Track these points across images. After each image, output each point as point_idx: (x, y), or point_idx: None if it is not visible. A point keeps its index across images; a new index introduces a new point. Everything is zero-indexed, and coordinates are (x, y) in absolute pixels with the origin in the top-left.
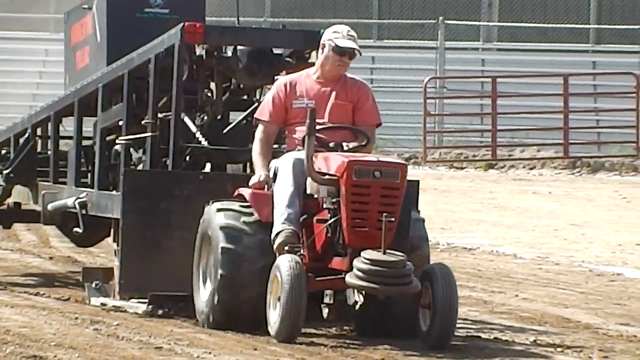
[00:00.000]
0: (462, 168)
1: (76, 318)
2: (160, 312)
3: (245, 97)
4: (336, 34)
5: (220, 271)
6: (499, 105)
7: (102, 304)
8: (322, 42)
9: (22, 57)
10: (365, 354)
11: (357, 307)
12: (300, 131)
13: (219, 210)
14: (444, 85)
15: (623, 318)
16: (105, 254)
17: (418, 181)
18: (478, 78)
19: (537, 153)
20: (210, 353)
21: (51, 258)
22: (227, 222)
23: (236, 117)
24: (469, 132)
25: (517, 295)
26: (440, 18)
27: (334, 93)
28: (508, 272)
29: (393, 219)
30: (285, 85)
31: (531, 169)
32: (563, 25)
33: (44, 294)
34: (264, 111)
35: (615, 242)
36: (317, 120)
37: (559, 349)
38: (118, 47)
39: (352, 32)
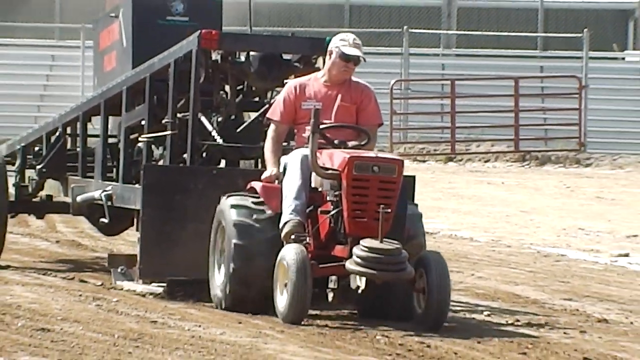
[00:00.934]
0: (424, 161)
1: (80, 295)
2: (177, 295)
3: (257, 98)
4: (343, 42)
5: (232, 265)
6: (457, 105)
7: (127, 288)
8: (330, 48)
9: (29, 62)
10: (362, 335)
11: (360, 291)
12: (308, 130)
13: (232, 206)
14: (408, 87)
15: (567, 294)
16: (106, 238)
17: (414, 176)
18: (439, 81)
19: (491, 147)
20: (199, 326)
21: (57, 242)
22: (240, 219)
23: (249, 117)
24: (431, 129)
25: (473, 274)
26: (405, 27)
27: (339, 95)
28: (465, 253)
29: (389, 210)
30: (295, 88)
31: (486, 161)
32: (514, 34)
33: (51, 273)
34: (275, 111)
35: (559, 227)
36: (324, 121)
37: (511, 323)
38: (142, 52)
39: (358, 40)
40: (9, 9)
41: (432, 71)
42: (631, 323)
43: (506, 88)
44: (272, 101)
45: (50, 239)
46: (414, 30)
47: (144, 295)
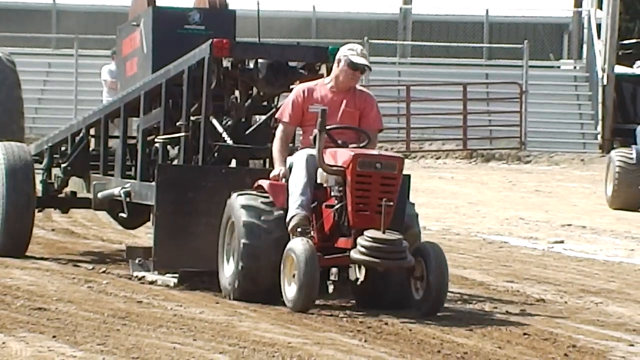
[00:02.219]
0: None
1: (73, 278)
2: (188, 284)
3: (265, 103)
4: (351, 52)
5: (243, 241)
6: (412, 108)
7: (143, 278)
8: (338, 57)
9: (27, 69)
10: (328, 314)
11: (359, 282)
12: (315, 131)
13: (242, 207)
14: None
15: (509, 277)
16: (97, 226)
17: (409, 175)
18: (395, 86)
19: (442, 146)
20: (181, 306)
21: (53, 230)
22: (249, 220)
23: (257, 120)
24: (388, 130)
25: None
26: (365, 38)
27: (344, 101)
28: None
29: (392, 204)
30: (304, 92)
31: (437, 159)
32: (462, 44)
33: (47, 258)
34: (284, 113)
35: (503, 217)
36: (328, 123)
37: (459, 302)
38: (162, 58)
39: (365, 51)
40: (8, 19)
41: (389, 78)
42: (565, 302)
43: (455, 93)
44: (279, 105)
45: (47, 227)
46: (373, 41)
47: (130, 278)
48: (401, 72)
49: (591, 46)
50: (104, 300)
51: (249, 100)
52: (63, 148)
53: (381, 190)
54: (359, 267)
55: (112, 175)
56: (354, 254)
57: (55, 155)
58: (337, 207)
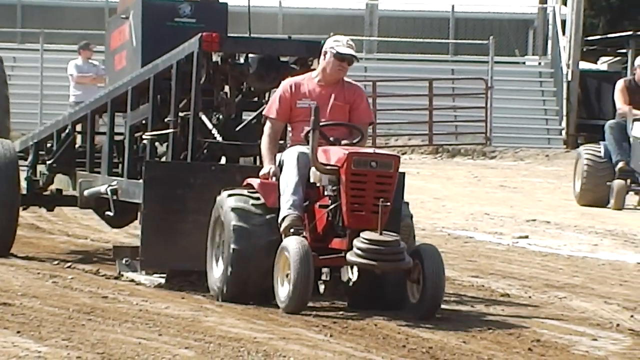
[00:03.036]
0: None
1: (38, 273)
2: (176, 285)
3: (255, 99)
4: (337, 43)
5: (232, 246)
6: (378, 104)
7: (131, 279)
8: (324, 49)
9: None
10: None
11: (351, 283)
12: (303, 128)
13: (232, 209)
14: None
15: (474, 272)
16: (62, 221)
17: (404, 173)
18: (362, 82)
19: (408, 141)
20: (146, 301)
21: (17, 225)
22: (239, 225)
23: (247, 116)
24: None
25: None
26: (332, 34)
27: (333, 95)
28: None
29: (388, 204)
30: (291, 86)
31: (403, 154)
32: (428, 40)
33: (11, 253)
34: (271, 109)
35: (468, 212)
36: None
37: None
38: (151, 51)
39: (351, 42)
40: None
41: (355, 73)
42: (530, 297)
43: (421, 89)
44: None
45: None
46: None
47: (95, 273)
48: (367, 67)
49: (556, 42)
50: (69, 296)
51: (240, 96)
52: (49, 144)
53: (377, 189)
54: (352, 268)
55: (98, 173)
56: (349, 256)
57: (40, 152)
58: (331, 207)
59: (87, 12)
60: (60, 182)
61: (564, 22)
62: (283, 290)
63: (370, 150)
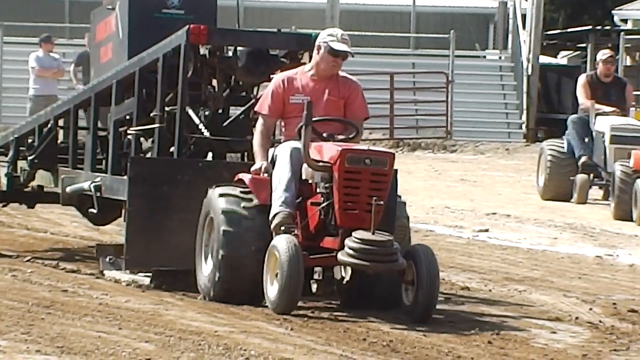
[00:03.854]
0: None
1: None
2: (163, 285)
3: (244, 93)
4: (331, 37)
5: (221, 252)
6: None
7: (115, 278)
8: (317, 43)
9: None
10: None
11: (344, 282)
12: (297, 124)
13: (223, 212)
14: None
15: None
16: (22, 215)
17: (396, 170)
18: None
19: (369, 135)
20: (107, 295)
21: None
22: (230, 229)
23: (235, 111)
24: None
25: None
26: (293, 27)
27: (327, 90)
28: None
29: (382, 203)
30: (283, 82)
31: None
32: (390, 34)
33: None
34: (263, 105)
35: (429, 205)
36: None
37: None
38: (138, 44)
39: (345, 36)
40: None
41: None
42: (490, 290)
43: (382, 82)
44: (258, 96)
45: None
46: (301, 30)
47: (55, 267)
48: None
49: (516, 36)
50: (28, 289)
51: (227, 90)
52: (30, 140)
53: (370, 187)
54: (345, 266)
55: (81, 169)
56: (341, 256)
57: (21, 148)
58: (323, 205)
59: (49, 5)
60: (42, 178)
61: (524, 17)
62: (272, 290)
63: (365, 147)
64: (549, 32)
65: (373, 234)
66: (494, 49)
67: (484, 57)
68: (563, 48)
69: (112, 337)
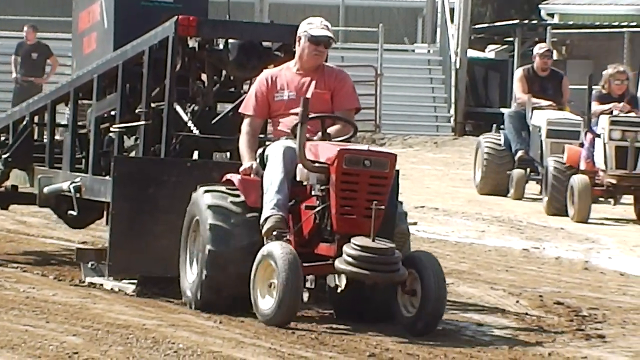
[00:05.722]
0: None
1: None
2: (148, 292)
3: (232, 89)
4: (310, 25)
5: (208, 247)
6: None
7: (95, 284)
8: (298, 34)
9: None
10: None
11: (338, 290)
12: (284, 123)
13: (209, 207)
14: None
15: None
16: None
17: (398, 171)
18: None
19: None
20: (34, 288)
21: None
22: (216, 223)
23: (223, 107)
24: None
25: None
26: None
27: (313, 83)
28: None
29: (383, 207)
30: (267, 80)
31: None
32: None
33: None
34: (248, 106)
35: None
36: (297, 111)
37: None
38: (124, 33)
39: (326, 22)
40: None
41: None
42: None
43: None
44: (244, 95)
45: None
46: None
47: None
48: None
49: (445, 30)
50: None
51: (217, 86)
52: (3, 137)
53: (370, 191)
54: (339, 274)
55: (59, 168)
56: (339, 264)
57: None
58: (318, 208)
59: None
60: (17, 178)
61: (452, 11)
62: (266, 302)
63: (365, 147)
64: (477, 26)
65: (373, 240)
66: (422, 42)
67: (413, 51)
68: (491, 42)
69: (39, 331)
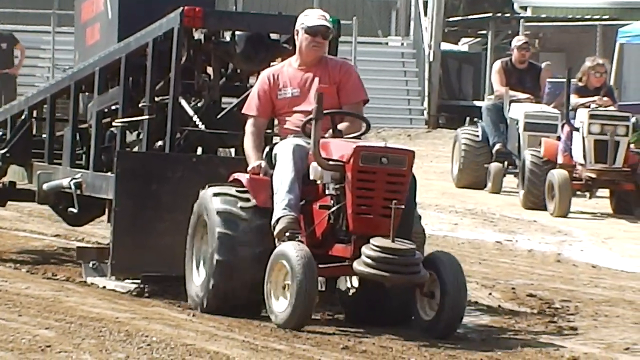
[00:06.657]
0: None
1: None
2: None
3: (238, 83)
4: (307, 17)
5: (216, 257)
6: None
7: (97, 284)
8: (296, 28)
9: None
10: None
11: (350, 293)
12: (290, 121)
13: (218, 213)
14: None
15: None
16: None
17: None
18: None
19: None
20: (6, 281)
21: None
22: (225, 232)
23: (227, 102)
24: None
25: None
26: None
27: (316, 78)
28: None
29: (403, 206)
30: (269, 78)
31: None
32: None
33: None
34: (251, 106)
35: None
36: (302, 108)
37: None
38: (129, 24)
39: (323, 13)
40: None
41: None
42: None
43: None
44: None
45: None
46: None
47: None
48: None
49: (418, 23)
50: None
51: (224, 79)
52: (1, 132)
53: (387, 189)
54: (367, 277)
55: (58, 164)
56: (357, 266)
57: None
58: (333, 208)
59: None
60: (15, 174)
61: (425, 4)
62: (280, 305)
63: (381, 144)
64: (450, 19)
65: (393, 241)
66: (396, 35)
67: (386, 43)
68: (464, 35)
69: (12, 324)
